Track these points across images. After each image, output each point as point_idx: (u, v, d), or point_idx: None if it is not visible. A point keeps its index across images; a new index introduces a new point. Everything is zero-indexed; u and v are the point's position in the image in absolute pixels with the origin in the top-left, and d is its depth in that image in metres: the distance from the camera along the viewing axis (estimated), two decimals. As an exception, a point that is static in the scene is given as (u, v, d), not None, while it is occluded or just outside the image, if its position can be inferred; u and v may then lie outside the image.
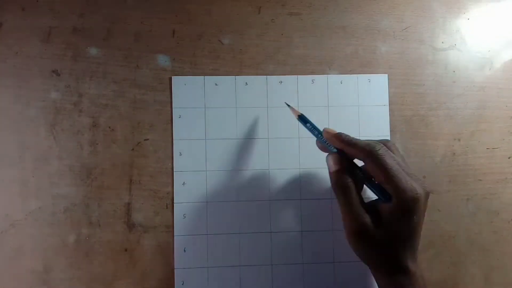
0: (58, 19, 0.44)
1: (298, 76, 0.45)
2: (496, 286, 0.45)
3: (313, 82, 0.45)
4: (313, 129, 0.39)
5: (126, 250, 0.43)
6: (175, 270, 0.43)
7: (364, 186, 0.37)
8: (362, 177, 0.35)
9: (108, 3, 0.45)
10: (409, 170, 0.35)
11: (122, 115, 0.44)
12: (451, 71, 0.47)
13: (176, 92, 0.44)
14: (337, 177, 0.35)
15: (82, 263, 0.42)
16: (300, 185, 0.44)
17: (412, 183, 0.33)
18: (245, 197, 0.44)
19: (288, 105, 0.42)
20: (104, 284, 0.42)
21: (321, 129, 0.38)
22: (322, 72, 0.46)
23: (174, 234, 0.43)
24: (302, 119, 0.40)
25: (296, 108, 0.41)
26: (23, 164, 0.43)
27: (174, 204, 0.43)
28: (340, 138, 0.36)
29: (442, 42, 0.47)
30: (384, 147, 0.34)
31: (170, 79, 0.44)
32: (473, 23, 0.47)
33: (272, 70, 0.45)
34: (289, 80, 0.45)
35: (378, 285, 0.36)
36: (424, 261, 0.45)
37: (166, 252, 0.43)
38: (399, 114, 0.46)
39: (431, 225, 0.45)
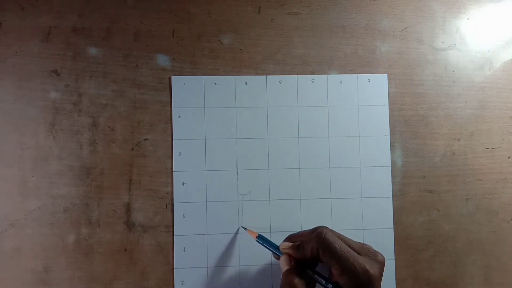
0: (58, 19, 0.44)
1: (298, 76, 0.45)
2: (495, 285, 0.45)
3: (312, 82, 0.45)
4: (271, 246, 0.40)
5: (125, 250, 0.43)
6: (174, 270, 0.43)
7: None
8: (322, 281, 0.35)
9: (108, 3, 0.45)
10: (356, 244, 0.35)
11: (122, 115, 0.44)
12: (450, 71, 0.47)
13: (176, 92, 0.44)
14: (285, 277, 0.35)
15: (81, 263, 0.42)
16: (300, 184, 0.44)
17: (365, 265, 0.33)
18: (244, 197, 0.44)
19: (245, 228, 0.43)
20: (103, 283, 0.42)
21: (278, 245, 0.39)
22: (322, 72, 0.46)
23: (174, 234, 0.43)
24: (261, 238, 0.41)
25: (252, 230, 0.43)
26: (23, 164, 0.43)
27: (174, 204, 0.43)
28: (294, 247, 0.36)
29: (442, 42, 0.47)
30: (327, 229, 0.35)
31: (170, 78, 0.44)
32: (473, 23, 0.47)
33: (271, 70, 0.45)
34: (288, 80, 0.45)
35: None
36: (424, 261, 0.45)
37: (165, 252, 0.43)
38: (398, 114, 0.46)
39: (431, 225, 0.45)
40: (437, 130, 0.46)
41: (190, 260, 0.43)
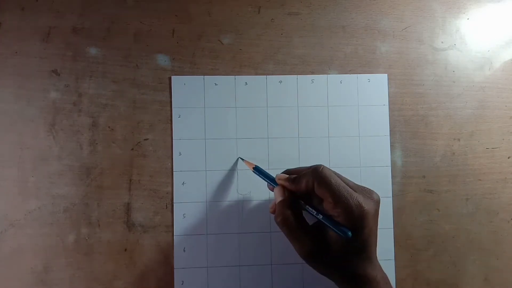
0: (58, 19, 0.44)
1: (298, 76, 0.45)
2: (495, 285, 0.45)
3: (312, 82, 0.45)
4: (266, 178, 0.40)
5: (125, 250, 0.43)
6: (174, 270, 0.43)
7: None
8: (313, 211, 0.36)
9: (108, 3, 0.45)
10: (353, 183, 0.36)
11: (122, 115, 0.44)
12: (450, 71, 0.47)
13: (176, 92, 0.44)
14: (279, 208, 0.36)
15: (81, 263, 0.42)
16: (300, 185, 0.44)
17: (358, 200, 0.33)
18: (244, 197, 0.44)
19: (242, 159, 0.44)
20: (103, 283, 0.42)
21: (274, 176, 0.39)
22: (322, 72, 0.46)
23: (174, 234, 0.43)
24: (257, 170, 0.41)
25: (249, 162, 0.43)
26: (22, 164, 0.43)
27: (174, 204, 0.43)
28: (289, 179, 0.37)
29: (442, 42, 0.47)
30: (325, 166, 0.36)
31: (170, 78, 0.44)
32: (473, 23, 0.47)
33: (271, 70, 0.45)
34: (288, 80, 0.45)
35: None
36: (424, 261, 0.45)
37: (165, 252, 0.43)
38: (398, 114, 0.46)
39: (431, 225, 0.45)
40: (437, 130, 0.46)
41: (190, 260, 0.43)
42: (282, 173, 0.39)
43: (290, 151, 0.44)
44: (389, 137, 0.45)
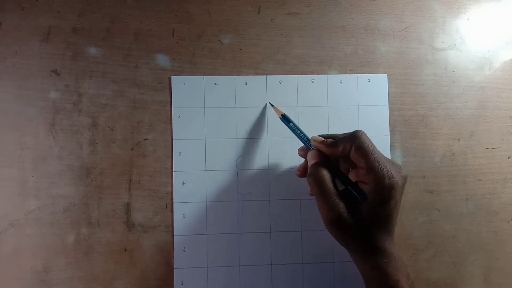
0: (58, 19, 0.44)
1: (298, 75, 0.45)
2: (495, 286, 0.45)
3: (312, 82, 0.45)
4: (295, 128, 0.41)
5: (125, 250, 0.43)
6: (174, 270, 0.43)
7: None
8: (339, 173, 0.37)
9: (108, 3, 0.45)
10: (384, 156, 0.37)
11: (122, 114, 0.44)
12: (450, 71, 0.47)
13: (176, 92, 0.44)
14: (313, 168, 0.37)
15: (81, 263, 0.42)
16: (300, 184, 0.44)
17: (390, 170, 0.34)
18: (244, 197, 0.44)
19: (272, 105, 0.44)
20: (103, 283, 0.42)
21: (302, 129, 0.41)
22: (322, 72, 0.46)
23: (174, 234, 0.43)
24: (285, 118, 0.42)
25: (278, 108, 0.43)
26: (22, 164, 0.43)
27: (174, 204, 0.43)
28: (326, 143, 0.38)
29: (442, 42, 0.47)
30: (364, 132, 0.36)
31: (170, 78, 0.44)
32: (473, 23, 0.47)
33: (271, 70, 0.45)
34: (288, 80, 0.45)
35: (358, 269, 0.37)
36: (424, 261, 0.45)
37: (165, 252, 0.43)
38: (398, 114, 0.46)
39: (431, 225, 0.45)
40: (437, 130, 0.46)
41: (190, 260, 0.43)
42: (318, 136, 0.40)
43: (290, 151, 0.44)
44: (389, 137, 0.45)
